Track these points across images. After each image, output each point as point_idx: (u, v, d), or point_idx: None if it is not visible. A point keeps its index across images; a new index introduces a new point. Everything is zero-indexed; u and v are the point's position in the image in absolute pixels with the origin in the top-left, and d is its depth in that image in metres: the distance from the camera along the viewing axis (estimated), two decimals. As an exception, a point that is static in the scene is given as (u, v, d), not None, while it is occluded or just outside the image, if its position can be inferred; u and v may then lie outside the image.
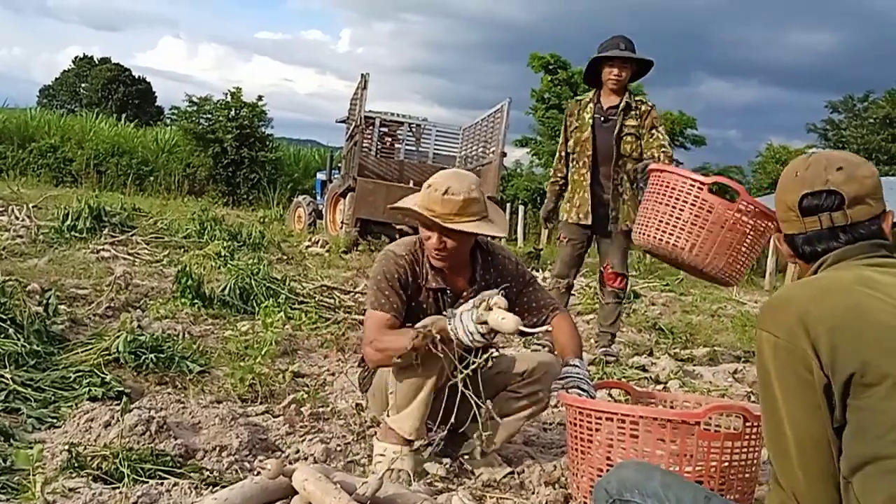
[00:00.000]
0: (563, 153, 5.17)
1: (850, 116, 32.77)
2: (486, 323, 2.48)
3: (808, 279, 1.62)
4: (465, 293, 2.88)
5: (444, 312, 2.67)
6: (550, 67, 28.54)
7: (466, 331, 2.49)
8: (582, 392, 2.65)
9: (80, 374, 3.37)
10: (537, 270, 10.97)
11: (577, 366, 2.77)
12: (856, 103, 32.82)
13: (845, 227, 1.62)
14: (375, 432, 2.96)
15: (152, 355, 3.63)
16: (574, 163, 5.09)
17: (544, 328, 2.81)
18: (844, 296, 1.48)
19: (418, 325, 2.69)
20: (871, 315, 1.44)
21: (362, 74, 12.28)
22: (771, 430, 1.52)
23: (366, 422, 3.23)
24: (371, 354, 2.75)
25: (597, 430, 2.38)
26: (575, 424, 2.45)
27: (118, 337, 3.72)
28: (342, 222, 12.24)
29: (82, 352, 3.69)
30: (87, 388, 3.19)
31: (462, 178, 2.75)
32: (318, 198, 15.32)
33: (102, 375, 3.33)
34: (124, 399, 2.87)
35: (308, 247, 11.09)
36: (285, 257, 9.31)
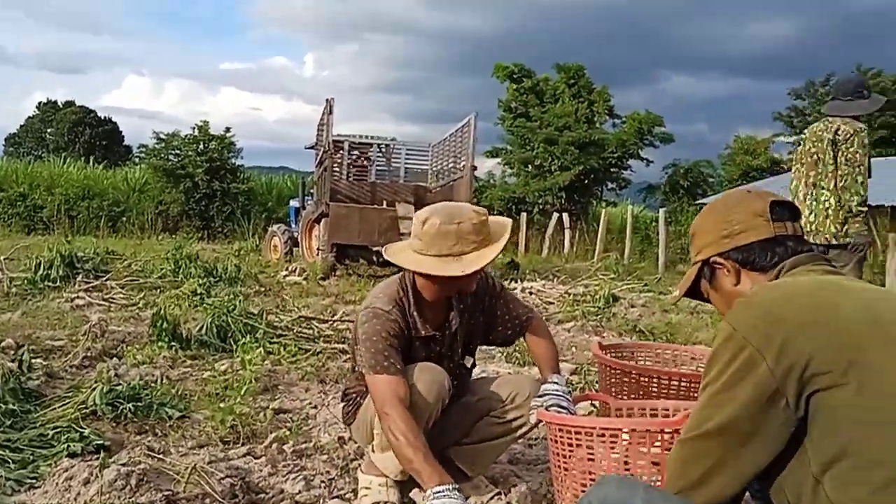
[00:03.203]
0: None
1: (813, 102, 33.06)
2: None
3: (775, 282, 1.66)
4: (446, 323, 2.86)
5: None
6: (515, 76, 28.68)
7: None
8: (561, 409, 2.64)
9: (58, 429, 3.31)
10: (516, 281, 11.00)
11: (556, 382, 2.76)
12: (818, 88, 33.14)
13: (800, 236, 1.75)
14: (360, 465, 2.94)
15: (130, 405, 3.59)
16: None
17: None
18: (810, 296, 1.52)
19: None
20: (838, 312, 1.47)
21: (327, 100, 12.30)
22: (703, 405, 1.55)
23: (349, 455, 3.22)
24: (386, 429, 2.54)
25: (577, 445, 2.38)
26: (556, 441, 2.45)
27: (94, 389, 3.68)
28: (318, 248, 12.21)
29: (59, 407, 3.64)
30: (66, 445, 3.14)
31: (448, 208, 2.70)
32: (293, 225, 15.26)
33: (81, 430, 3.28)
34: (102, 454, 2.84)
35: (286, 276, 11.06)
36: (263, 289, 9.27)
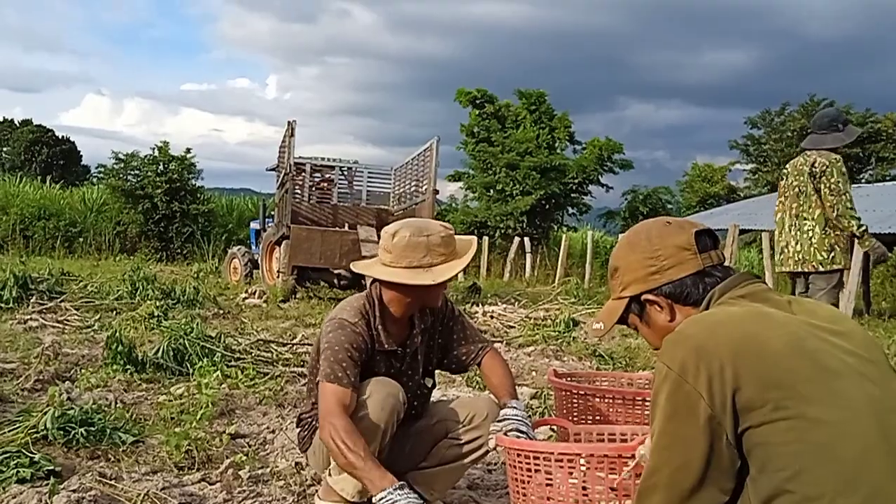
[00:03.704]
0: None
1: (768, 131, 33.75)
2: None
3: (701, 315, 1.65)
4: (408, 340, 2.88)
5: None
6: (478, 102, 28.88)
7: None
8: (521, 433, 2.64)
9: (8, 455, 3.22)
10: (477, 304, 11.01)
11: (515, 407, 2.76)
12: (773, 117, 33.85)
13: (725, 263, 1.78)
14: (316, 491, 2.91)
15: (82, 429, 3.51)
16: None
17: None
18: (739, 328, 1.52)
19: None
20: (765, 345, 1.47)
21: (289, 122, 12.26)
22: (651, 454, 1.56)
23: (306, 480, 3.18)
24: (326, 437, 2.52)
25: (536, 470, 2.38)
26: (514, 467, 2.44)
27: (46, 413, 3.60)
28: (279, 271, 12.12)
29: (9, 431, 3.55)
30: (15, 470, 3.06)
31: (416, 222, 2.77)
32: (254, 247, 15.15)
33: (31, 455, 3.20)
34: (52, 480, 2.78)
35: (245, 298, 10.96)
36: (222, 312, 9.16)
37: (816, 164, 5.44)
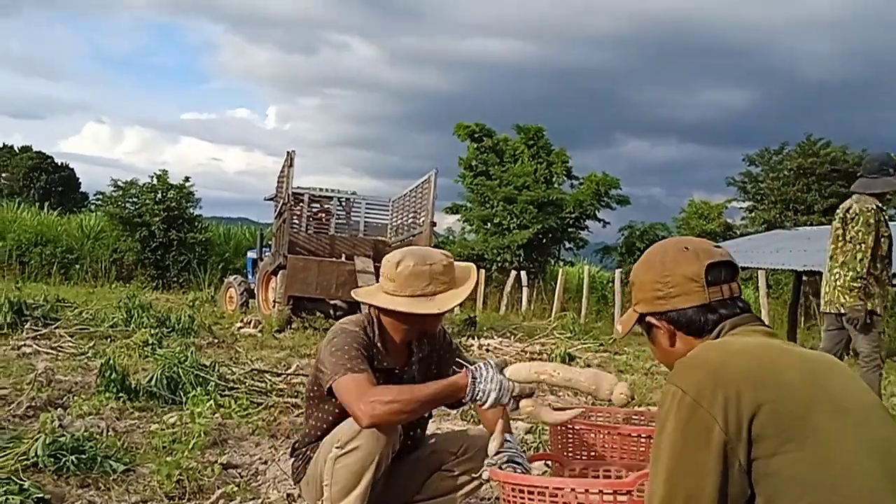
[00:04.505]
0: (873, 253, 5.49)
1: (766, 169, 33.85)
2: (518, 403, 2.47)
3: (719, 342, 1.66)
4: (406, 367, 2.88)
5: (476, 367, 2.51)
6: (476, 136, 29.01)
7: (503, 389, 2.45)
8: (516, 465, 2.63)
9: (-3, 482, 3.21)
10: (473, 338, 10.98)
11: (508, 440, 2.75)
12: (772, 156, 33.97)
13: (736, 297, 1.76)
14: (308, 523, 2.88)
15: (73, 457, 3.49)
16: (881, 261, 5.56)
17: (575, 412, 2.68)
18: (755, 356, 1.52)
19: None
20: (782, 375, 1.47)
21: (288, 152, 12.32)
22: (651, 482, 1.53)
23: (298, 512, 3.15)
24: (375, 409, 2.45)
25: (530, 505, 2.36)
26: (508, 501, 2.42)
27: (37, 440, 3.57)
28: (275, 301, 12.10)
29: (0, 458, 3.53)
30: (5, 497, 3.04)
31: (419, 251, 2.81)
32: (250, 277, 15.14)
33: (21, 482, 3.18)
34: (42, 508, 2.75)
35: (240, 328, 10.91)
36: (216, 341, 9.13)
37: (850, 211, 5.55)
